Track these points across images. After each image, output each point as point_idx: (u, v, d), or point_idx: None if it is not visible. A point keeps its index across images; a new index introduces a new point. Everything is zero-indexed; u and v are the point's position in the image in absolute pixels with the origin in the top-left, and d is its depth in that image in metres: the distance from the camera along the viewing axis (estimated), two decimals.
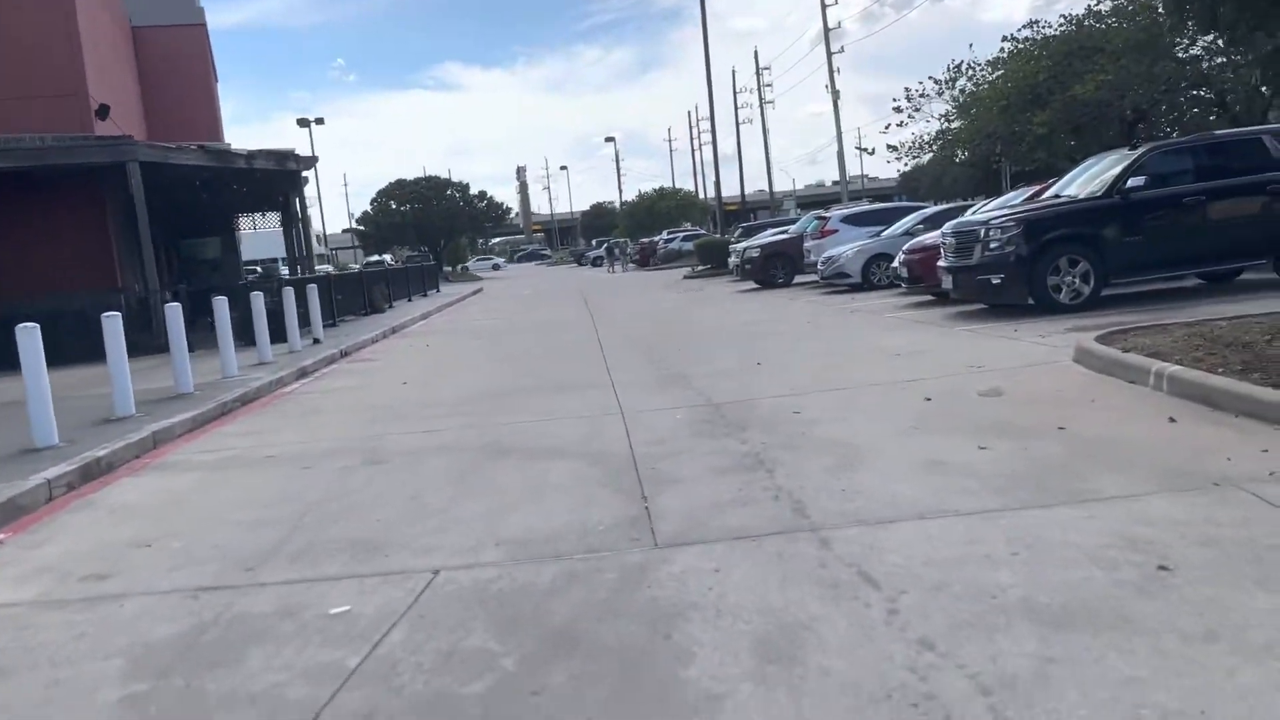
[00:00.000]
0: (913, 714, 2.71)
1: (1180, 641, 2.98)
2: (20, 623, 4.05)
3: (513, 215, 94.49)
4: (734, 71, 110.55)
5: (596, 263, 61.44)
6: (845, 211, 23.09)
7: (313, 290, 16.95)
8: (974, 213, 14.67)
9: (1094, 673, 2.84)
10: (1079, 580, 3.51)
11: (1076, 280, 11.07)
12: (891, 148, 28.63)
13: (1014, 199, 14.96)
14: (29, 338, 7.88)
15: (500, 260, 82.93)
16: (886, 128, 26.88)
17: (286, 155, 21.91)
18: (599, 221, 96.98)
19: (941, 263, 12.34)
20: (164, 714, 3.13)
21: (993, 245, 11.22)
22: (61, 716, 3.16)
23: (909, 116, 28.40)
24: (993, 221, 11.51)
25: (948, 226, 12.58)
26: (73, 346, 13.92)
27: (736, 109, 60.95)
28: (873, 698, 2.81)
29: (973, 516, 4.31)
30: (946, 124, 27.44)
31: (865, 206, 25.80)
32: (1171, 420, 5.63)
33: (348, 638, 3.63)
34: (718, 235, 41.40)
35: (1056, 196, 12.27)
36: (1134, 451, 5.12)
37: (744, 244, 26.08)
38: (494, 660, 3.30)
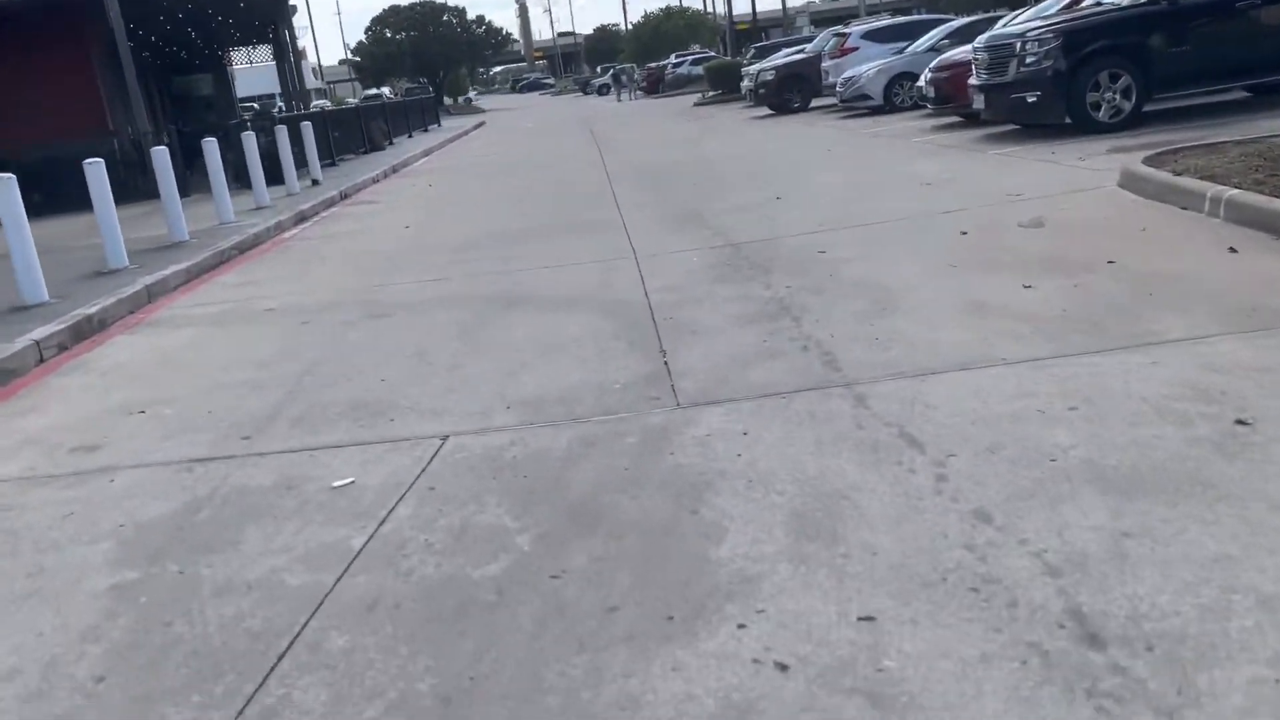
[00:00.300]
0: (973, 600, 2.43)
1: (1271, 510, 2.67)
2: (4, 502, 3.82)
3: (513, 42, 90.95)
4: None
5: (602, 91, 59.29)
6: (865, 27, 21.80)
7: (308, 128, 16.23)
8: (1006, 25, 13.68)
9: (1175, 549, 2.55)
10: (1148, 439, 3.19)
11: (1117, 96, 10.33)
12: None
13: (1049, 8, 13.90)
14: (6, 190, 7.43)
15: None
16: None
17: None
18: (604, 46, 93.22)
19: (973, 80, 11.57)
20: (155, 605, 2.90)
21: (1029, 60, 10.44)
22: (45, 610, 2.94)
23: None
24: (1029, 34, 10.68)
25: (980, 41, 11.72)
26: (70, 195, 13.40)
27: None
28: (926, 581, 2.54)
29: (1023, 365, 3.96)
30: None
31: (887, 21, 24.35)
32: (1232, 250, 5.20)
33: (352, 514, 3.38)
34: (729, 58, 39.61)
35: (1097, 4, 11.35)
36: (1194, 287, 4.72)
37: (757, 66, 24.80)
38: (509, 539, 3.05)
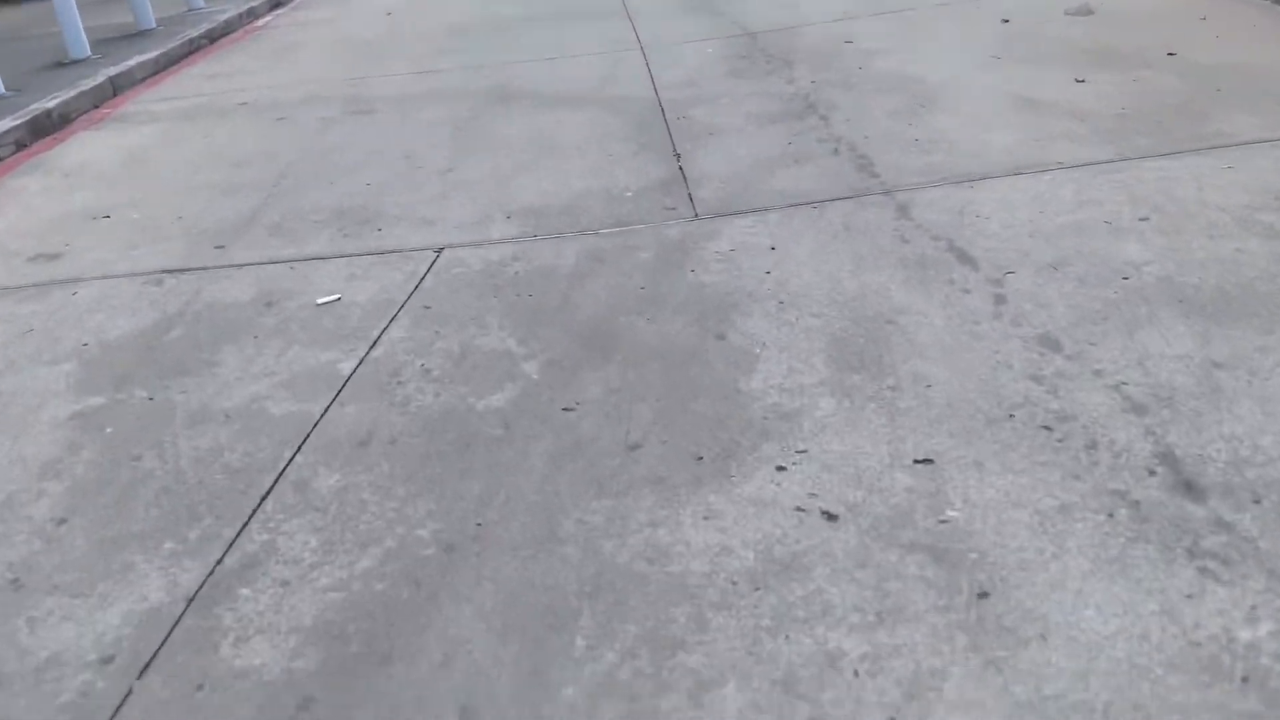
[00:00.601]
0: (1045, 441, 2.14)
1: None
2: None
3: None
4: None
5: None
6: None
7: None
8: None
9: (1277, 383, 2.24)
10: (1231, 254, 2.84)
11: None
12: None
13: None
14: None
15: None
16: None
17: None
18: None
19: None
20: (123, 436, 2.62)
21: None
22: (0, 441, 2.65)
23: None
24: None
25: None
26: None
27: None
28: (990, 418, 2.24)
29: (1082, 170, 3.55)
30: None
31: None
32: None
33: (339, 335, 3.05)
34: None
35: None
36: (1265, 82, 4.24)
37: None
38: (515, 366, 2.73)
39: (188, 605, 1.98)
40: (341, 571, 2.02)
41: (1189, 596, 1.69)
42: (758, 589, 1.84)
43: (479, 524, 2.11)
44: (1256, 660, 1.55)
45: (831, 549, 1.91)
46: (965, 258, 3.00)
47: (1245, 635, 1.60)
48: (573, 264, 3.30)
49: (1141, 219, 3.12)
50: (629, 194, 3.87)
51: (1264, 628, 1.61)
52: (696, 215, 3.59)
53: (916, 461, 2.13)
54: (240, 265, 3.67)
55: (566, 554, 1.99)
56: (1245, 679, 1.52)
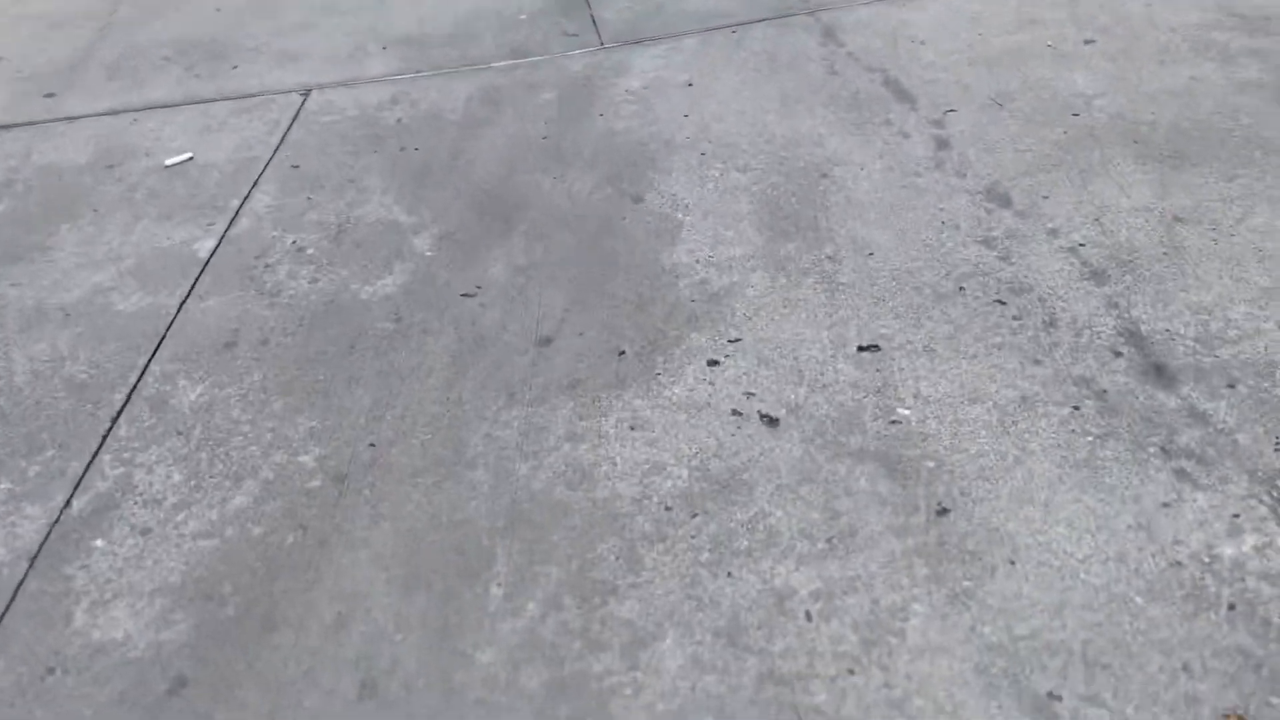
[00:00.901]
0: (1000, 318, 1.94)
1: None
2: None
3: None
4: None
5: None
6: None
7: None
8: None
9: (1243, 240, 2.06)
10: (1186, 84, 2.60)
11: None
12: None
13: None
14: None
15: None
16: None
17: None
18: None
19: None
20: None
21: None
22: None
23: None
24: None
25: None
26: None
27: None
28: (939, 293, 2.02)
29: None
30: None
31: None
32: None
33: (193, 205, 2.63)
34: None
35: None
36: None
37: None
38: (404, 241, 2.38)
39: (31, 564, 1.69)
40: (212, 513, 1.74)
41: (1165, 505, 1.54)
42: (695, 515, 1.63)
43: (372, 444, 1.84)
44: (1242, 583, 1.42)
45: (774, 461, 1.70)
46: (901, 93, 2.70)
47: (1229, 551, 1.46)
48: (463, 108, 2.89)
49: (1088, 41, 2.84)
50: (523, 16, 3.41)
51: (1248, 541, 1.47)
52: (602, 43, 3.17)
53: (861, 349, 1.91)
54: (75, 118, 3.15)
55: (475, 480, 1.74)
56: (1232, 606, 1.39)
